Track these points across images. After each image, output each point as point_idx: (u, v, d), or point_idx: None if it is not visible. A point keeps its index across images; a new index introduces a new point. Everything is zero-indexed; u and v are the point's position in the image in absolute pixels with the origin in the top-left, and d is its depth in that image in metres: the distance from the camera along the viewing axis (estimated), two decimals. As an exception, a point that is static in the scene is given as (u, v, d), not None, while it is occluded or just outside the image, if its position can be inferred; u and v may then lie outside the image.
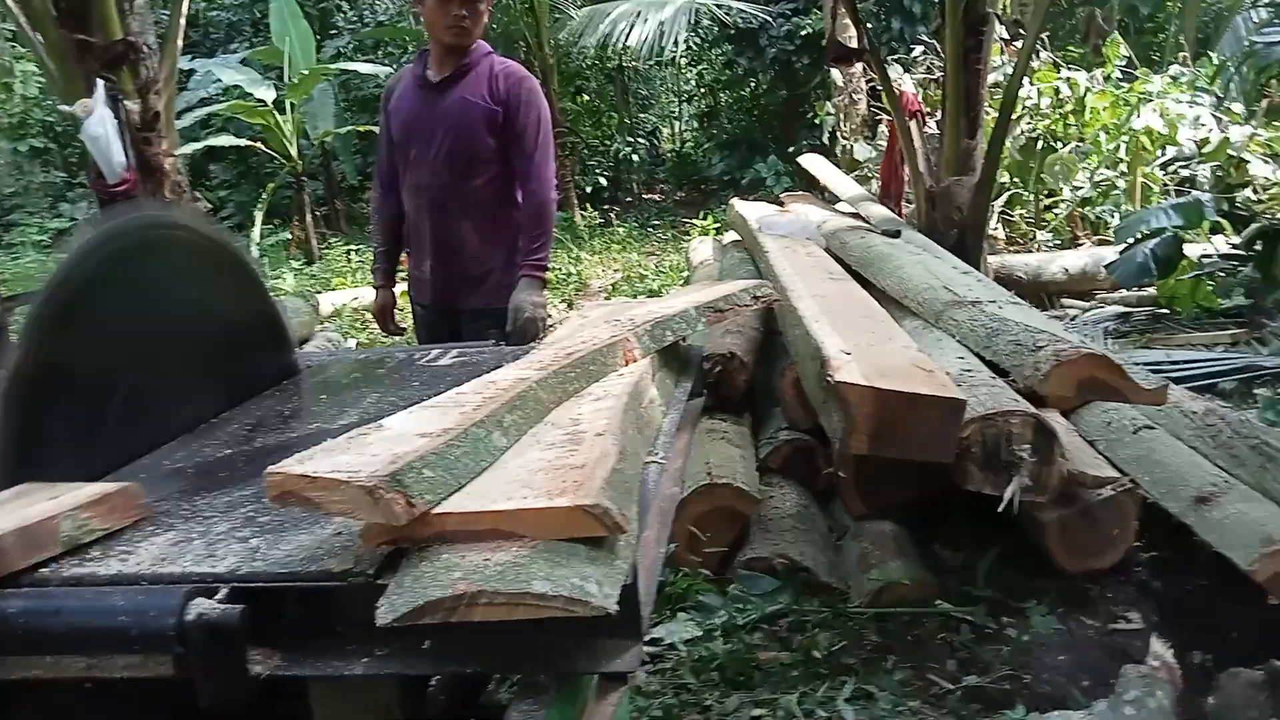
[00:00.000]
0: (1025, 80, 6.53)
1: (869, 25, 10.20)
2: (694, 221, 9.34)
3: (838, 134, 9.06)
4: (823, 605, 2.45)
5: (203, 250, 1.60)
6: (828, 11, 8.68)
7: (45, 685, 0.99)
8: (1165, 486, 2.47)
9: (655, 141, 14.57)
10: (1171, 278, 5.08)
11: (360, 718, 1.06)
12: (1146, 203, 6.70)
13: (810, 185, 7.19)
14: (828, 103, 9.44)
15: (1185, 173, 7.05)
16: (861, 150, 8.34)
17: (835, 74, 9.04)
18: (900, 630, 2.36)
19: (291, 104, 9.31)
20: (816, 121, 10.14)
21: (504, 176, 2.75)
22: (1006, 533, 2.56)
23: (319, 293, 7.34)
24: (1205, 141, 6.86)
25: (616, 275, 8.11)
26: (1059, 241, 7.00)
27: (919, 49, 8.83)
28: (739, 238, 5.32)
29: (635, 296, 6.95)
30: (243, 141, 9.46)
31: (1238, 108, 6.98)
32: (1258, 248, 4.98)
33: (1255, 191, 6.58)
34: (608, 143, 12.73)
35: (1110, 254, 5.55)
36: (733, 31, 11.13)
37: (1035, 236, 7.11)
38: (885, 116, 7.54)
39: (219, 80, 9.36)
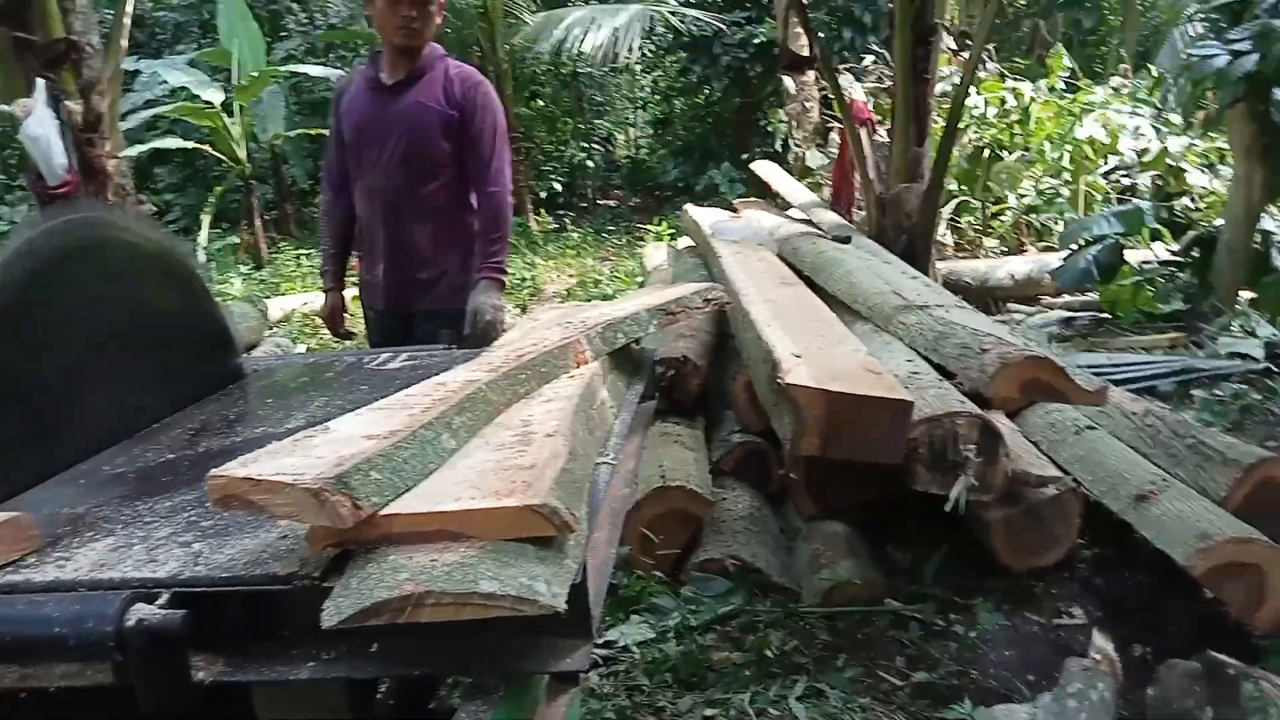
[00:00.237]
0: (972, 90, 6.67)
1: (820, 34, 10.34)
2: (649, 227, 9.37)
3: (790, 141, 9.17)
4: (775, 605, 2.46)
5: (144, 253, 1.57)
6: (780, 20, 8.77)
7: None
8: (1106, 485, 2.53)
9: (610, 147, 14.60)
10: (1113, 283, 5.22)
11: (307, 723, 1.04)
12: (1089, 210, 6.87)
13: (763, 192, 7.26)
14: (780, 110, 9.55)
15: (1126, 181, 7.25)
16: (814, 157, 8.44)
17: (788, 82, 9.14)
18: (851, 629, 2.38)
19: (240, 106, 9.17)
20: (769, 129, 10.25)
21: (459, 180, 2.74)
22: (954, 532, 2.60)
23: (268, 298, 7.23)
24: (1145, 151, 7.06)
25: (571, 280, 8.10)
26: (1005, 248, 7.15)
27: (870, 58, 8.97)
28: (693, 243, 5.35)
29: (590, 301, 6.95)
30: (190, 144, 9.29)
31: (1176, 119, 7.19)
32: (1195, 254, 5.14)
33: (1193, 200, 6.78)
34: (562, 148, 12.72)
35: (1055, 260, 5.69)
36: (687, 39, 11.21)
37: (982, 243, 7.26)
38: (837, 124, 7.63)
39: (165, 82, 9.18)
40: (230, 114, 9.08)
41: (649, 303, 1.80)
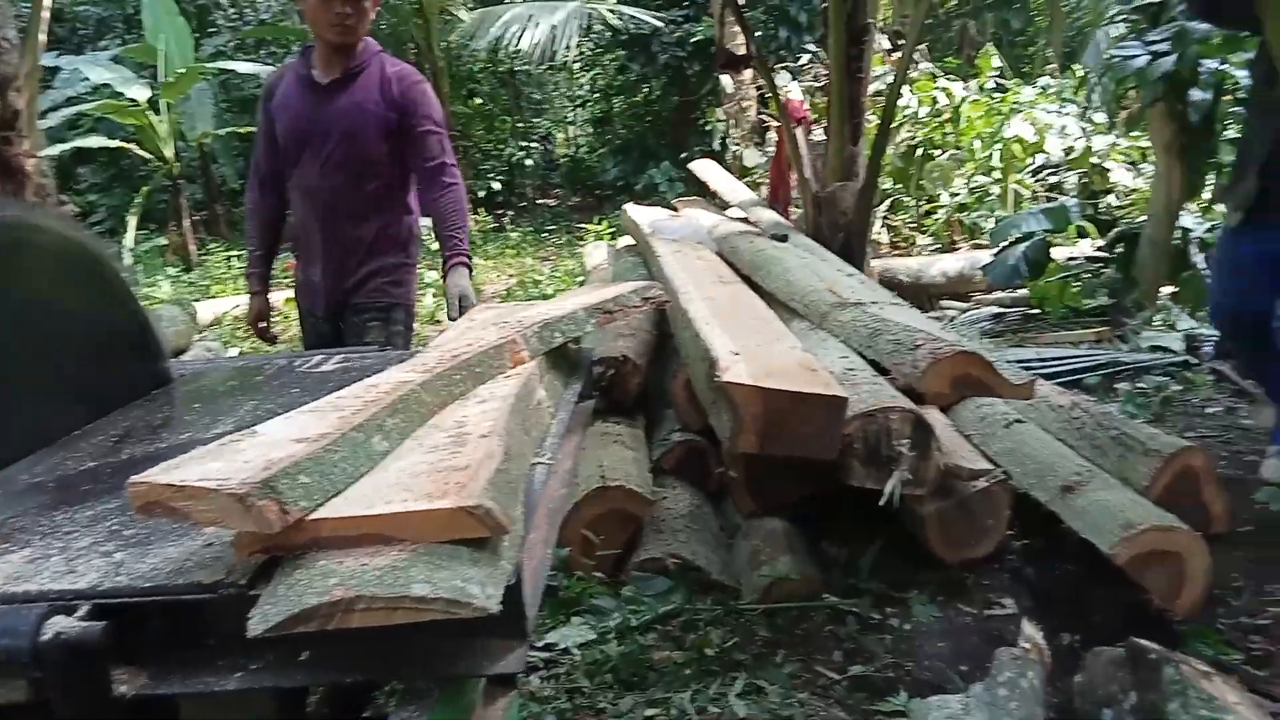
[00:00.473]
0: (905, 89, 6.79)
1: (757, 33, 10.43)
2: (589, 226, 9.36)
3: (728, 140, 9.24)
4: (715, 603, 2.48)
5: (62, 253, 1.52)
6: (717, 19, 8.83)
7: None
8: (1035, 477, 2.60)
9: (549, 146, 14.54)
10: (1041, 279, 5.36)
11: (236, 734, 1.02)
12: (1018, 208, 7.05)
13: (702, 190, 7.30)
14: (718, 109, 9.61)
15: (1054, 179, 7.45)
16: (751, 156, 8.53)
17: (725, 81, 9.21)
18: (789, 625, 2.41)
19: (167, 104, 8.93)
20: (708, 128, 10.31)
21: (397, 180, 2.72)
22: (889, 526, 2.65)
23: (198, 300, 7.06)
24: (1071, 150, 7.26)
25: (511, 281, 8.05)
26: (938, 245, 7.29)
27: (806, 57, 9.08)
28: (633, 242, 5.36)
29: (529, 301, 6.92)
30: (114, 143, 9.03)
31: (1100, 118, 7.41)
32: (1119, 250, 5.30)
33: (1117, 197, 7.00)
34: (501, 147, 12.65)
35: (985, 257, 5.82)
36: (625, 37, 11.21)
37: (916, 240, 7.39)
38: (774, 123, 7.72)
39: (87, 78, 8.90)
40: (156, 112, 8.85)
41: (587, 302, 1.80)
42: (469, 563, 0.91)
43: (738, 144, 8.98)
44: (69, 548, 1.08)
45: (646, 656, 2.29)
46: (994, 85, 8.09)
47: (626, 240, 5.78)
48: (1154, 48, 4.32)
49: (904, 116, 7.26)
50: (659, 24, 10.51)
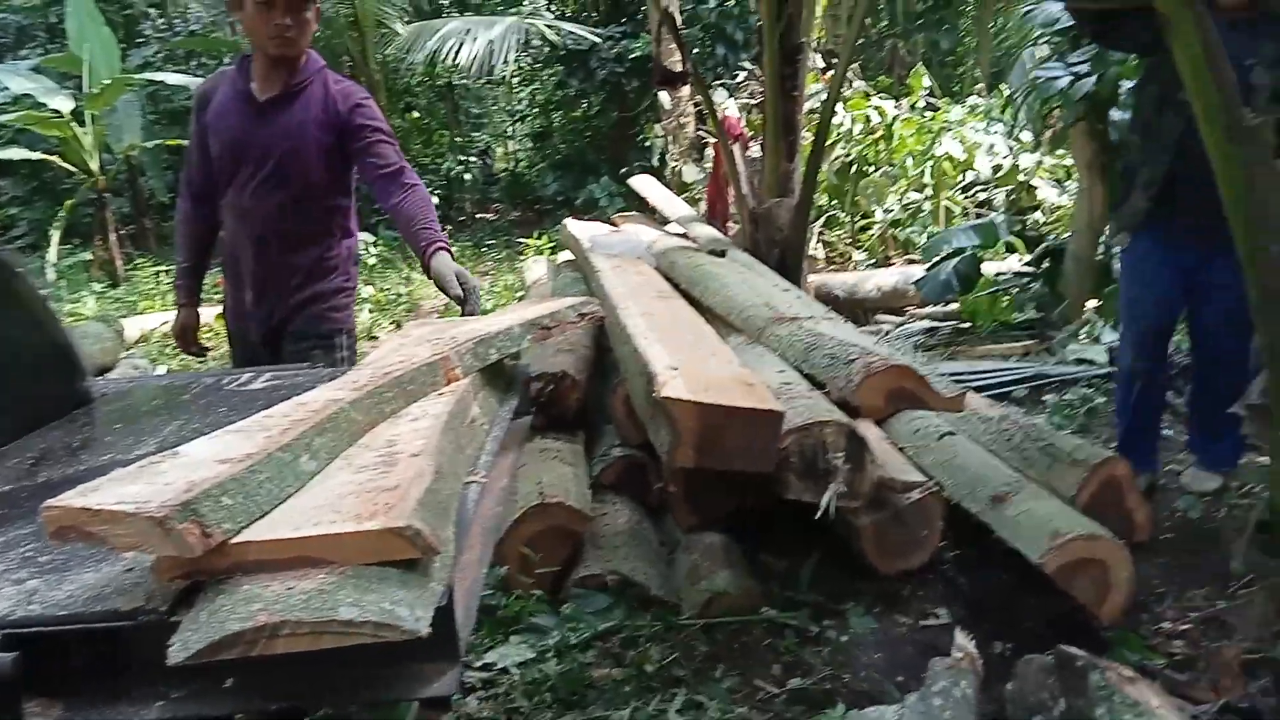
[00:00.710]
0: (839, 107, 6.91)
1: (694, 51, 10.54)
2: (528, 241, 9.32)
3: (667, 156, 9.29)
4: (654, 619, 2.47)
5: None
6: (654, 36, 8.89)
7: None
8: (966, 488, 2.66)
9: (488, 160, 14.47)
10: (972, 294, 5.49)
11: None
12: (949, 224, 7.21)
13: (642, 206, 7.33)
14: (657, 125, 9.66)
15: (983, 196, 7.64)
16: (690, 172, 8.58)
17: (663, 97, 9.27)
18: (728, 639, 2.42)
19: (92, 115, 8.68)
20: (647, 143, 10.36)
21: (337, 204, 2.62)
22: (826, 537, 2.68)
23: (124, 317, 6.86)
24: (999, 167, 7.46)
25: (449, 295, 7.97)
26: (873, 260, 7.42)
27: (743, 74, 9.19)
28: (572, 257, 5.35)
29: (465, 317, 6.86)
30: (36, 155, 8.74)
31: (1026, 136, 7.63)
32: (1045, 266, 5.45)
33: (1043, 214, 7.20)
34: (439, 161, 12.54)
35: (918, 272, 5.93)
36: (563, 52, 11.23)
37: (851, 256, 7.51)
38: (712, 139, 7.79)
39: (7, 89, 8.60)
40: (81, 123, 8.59)
41: (523, 317, 1.79)
42: (398, 585, 0.90)
43: (676, 160, 9.04)
44: (-21, 576, 1.04)
45: (586, 675, 2.27)
46: (925, 104, 8.29)
47: (566, 255, 5.77)
48: (1075, 69, 4.46)
49: (838, 134, 7.39)
50: (597, 40, 10.55)
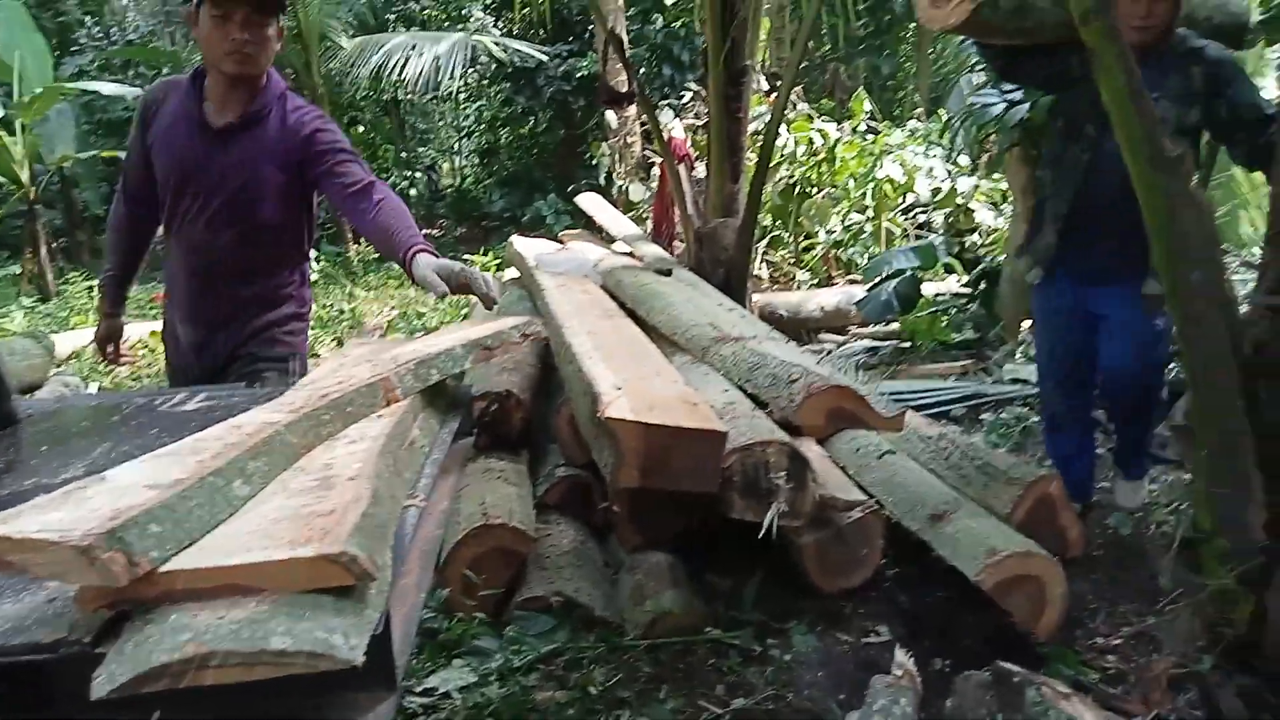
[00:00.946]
0: (783, 130, 7.01)
1: (640, 71, 10.62)
2: (475, 258, 9.27)
3: (614, 174, 9.32)
4: (599, 640, 2.46)
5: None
6: (601, 56, 8.94)
7: None
8: (906, 506, 2.70)
9: (435, 176, 14.40)
10: (912, 314, 5.59)
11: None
12: (890, 245, 7.34)
13: (589, 224, 7.35)
14: (603, 144, 9.70)
15: (923, 218, 7.80)
16: (636, 190, 8.62)
17: (610, 116, 9.31)
18: (673, 659, 2.41)
19: (23, 125, 8.44)
20: (594, 162, 10.39)
21: (292, 237, 2.49)
22: (771, 555, 2.69)
23: (55, 332, 6.66)
24: (938, 190, 7.62)
25: (393, 313, 7.88)
26: (816, 280, 7.52)
27: (688, 95, 9.28)
28: (519, 274, 5.34)
29: (412, 334, 6.80)
30: (-39, 165, 8.48)
31: (964, 160, 7.81)
32: (982, 287, 5.58)
33: (980, 236, 7.37)
34: (384, 176, 12.42)
35: (860, 292, 6.03)
36: (510, 70, 11.23)
37: (795, 276, 7.60)
38: (658, 159, 7.84)
39: (-68, 96, 8.36)
40: (11, 133, 8.35)
41: (465, 338, 1.78)
42: (333, 612, 0.88)
43: (623, 178, 9.08)
44: (-110, 607, 0.99)
45: (529, 698, 2.25)
46: (866, 127, 8.45)
47: (512, 273, 5.75)
48: (1010, 96, 4.59)
49: (782, 156, 7.49)
50: (544, 58, 10.58)
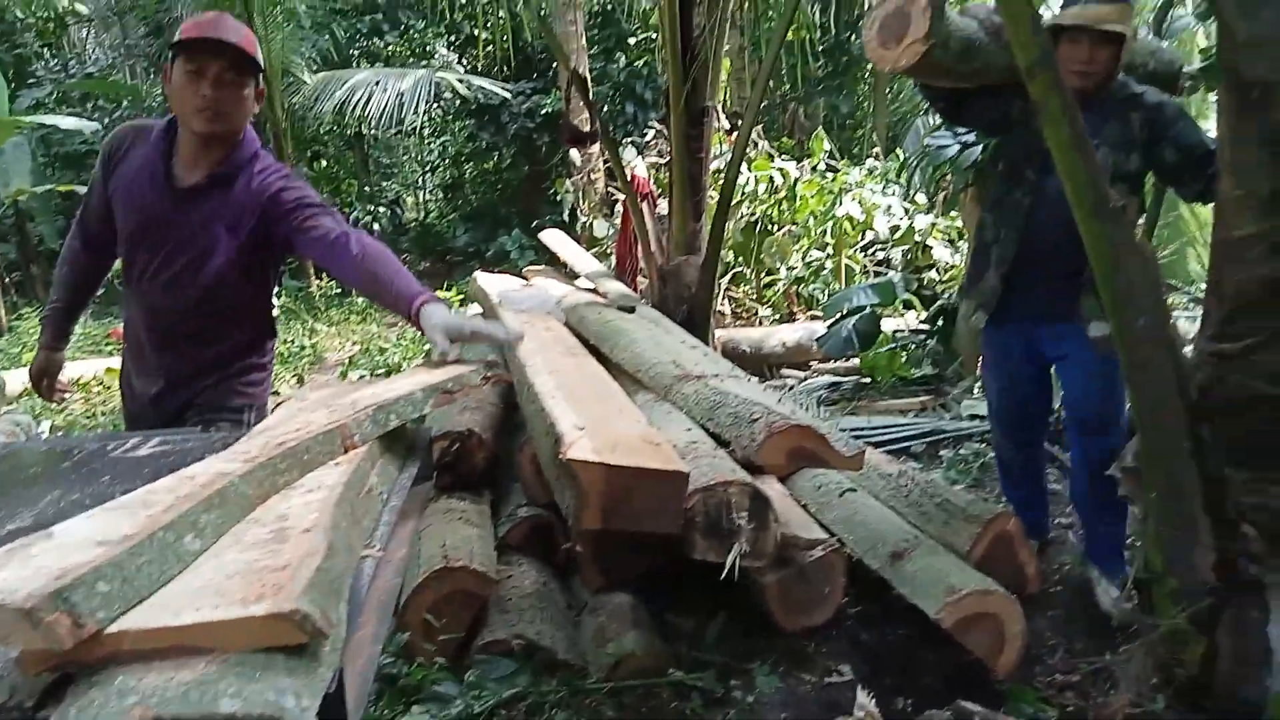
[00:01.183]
0: (744, 168, 7.10)
1: (603, 108, 10.72)
2: (438, 293, 9.25)
3: (578, 211, 9.37)
4: (561, 684, 2.43)
5: None
6: (564, 95, 9.02)
7: None
8: (867, 544, 2.71)
9: (398, 210, 14.37)
10: (872, 350, 5.65)
11: None
12: (850, 281, 7.44)
13: (553, 259, 7.37)
14: (567, 181, 9.76)
15: (882, 255, 7.92)
16: (600, 227, 8.67)
17: (573, 153, 9.38)
18: (636, 702, 2.39)
19: (-24, 158, 8.33)
20: (558, 198, 10.44)
21: (254, 297, 2.43)
22: (733, 594, 2.69)
23: (6, 369, 6.52)
24: (897, 228, 7.75)
25: (355, 348, 7.83)
26: (778, 316, 7.60)
27: (651, 132, 9.37)
28: (482, 310, 5.32)
29: (374, 371, 6.75)
30: (-87, 197, 8.33)
31: (921, 199, 7.96)
32: (940, 324, 5.66)
33: (938, 272, 7.50)
34: (347, 210, 12.39)
35: (821, 328, 6.09)
36: (474, 106, 11.28)
37: (757, 312, 7.67)
38: (622, 195, 7.90)
39: (-118, 128, 8.19)
40: (-36, 166, 8.23)
41: (425, 381, 1.77)
42: (284, 672, 0.87)
43: (587, 214, 9.13)
44: None
45: (489, 744, 2.22)
46: (825, 166, 8.59)
47: (475, 308, 5.74)
48: (963, 139, 4.69)
49: (743, 194, 7.59)
50: (507, 95, 10.65)
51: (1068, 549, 3.24)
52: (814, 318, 7.19)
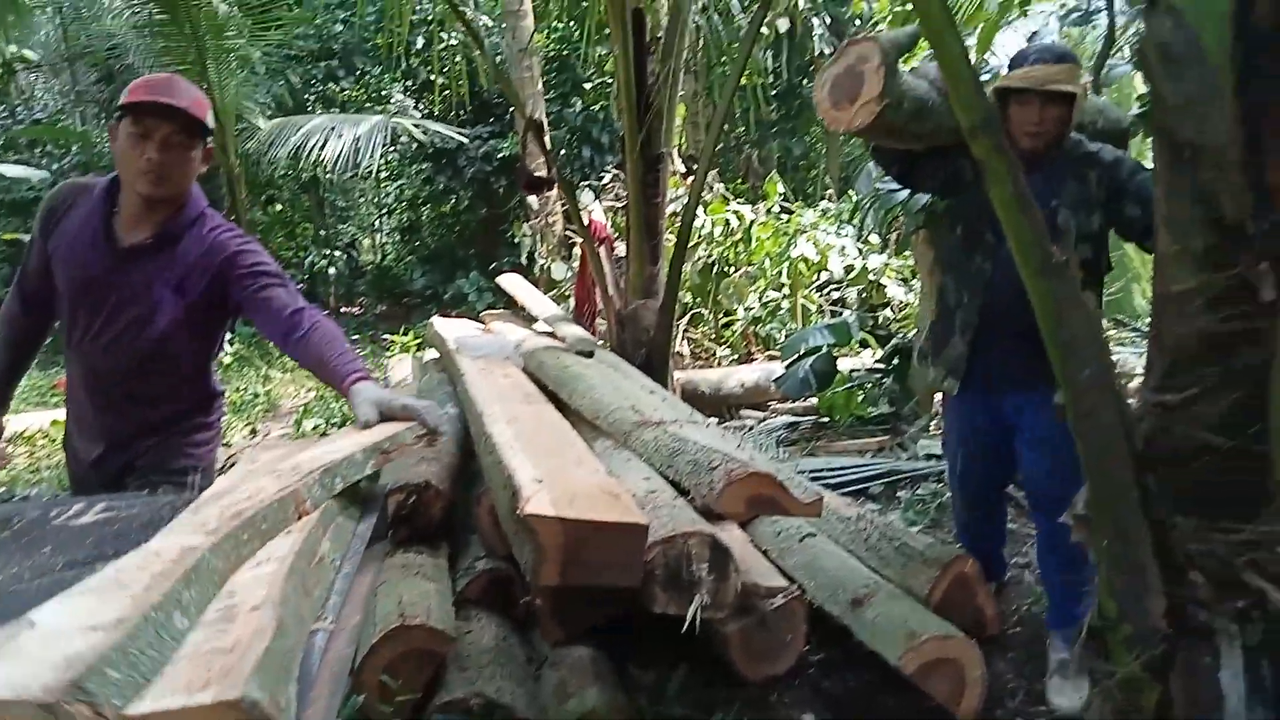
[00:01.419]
0: (700, 211, 7.18)
1: (560, 152, 10.80)
2: (394, 338, 9.19)
3: (535, 254, 9.40)
4: (521, 742, 2.40)
5: None
6: (521, 141, 9.08)
7: None
8: (827, 590, 2.71)
9: (354, 253, 14.30)
10: (829, 390, 5.70)
11: None
12: (806, 321, 7.53)
13: (511, 303, 7.37)
14: (525, 224, 9.79)
15: (837, 294, 8.03)
16: (559, 270, 8.70)
17: (531, 197, 9.42)
18: (598, 758, 2.36)
19: (-82, 206, 8.15)
20: (516, 240, 10.47)
21: (199, 361, 2.38)
22: (695, 644, 2.67)
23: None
24: (851, 268, 7.87)
25: (309, 395, 7.73)
26: (736, 356, 7.65)
27: (608, 175, 9.46)
28: (439, 356, 5.29)
29: (329, 420, 6.66)
30: None
31: (875, 239, 8.10)
32: (895, 362, 5.73)
33: (892, 311, 7.61)
34: (302, 254, 12.31)
35: (779, 368, 6.14)
36: (431, 150, 11.31)
37: (715, 352, 7.72)
38: (579, 238, 7.95)
39: None
40: (-95, 213, 8.05)
41: (364, 442, 1.77)
42: (231, 761, 0.85)
43: (545, 257, 9.16)
44: None
45: (448, 808, 2.17)
46: (780, 208, 8.72)
47: (432, 354, 5.71)
48: (914, 183, 4.79)
49: (700, 236, 7.67)
50: (464, 140, 10.69)
51: (1025, 590, 3.27)
52: (772, 357, 7.25)
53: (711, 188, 8.17)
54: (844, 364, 6.15)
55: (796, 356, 5.65)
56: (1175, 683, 1.49)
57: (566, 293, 8.07)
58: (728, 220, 7.86)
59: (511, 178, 11.04)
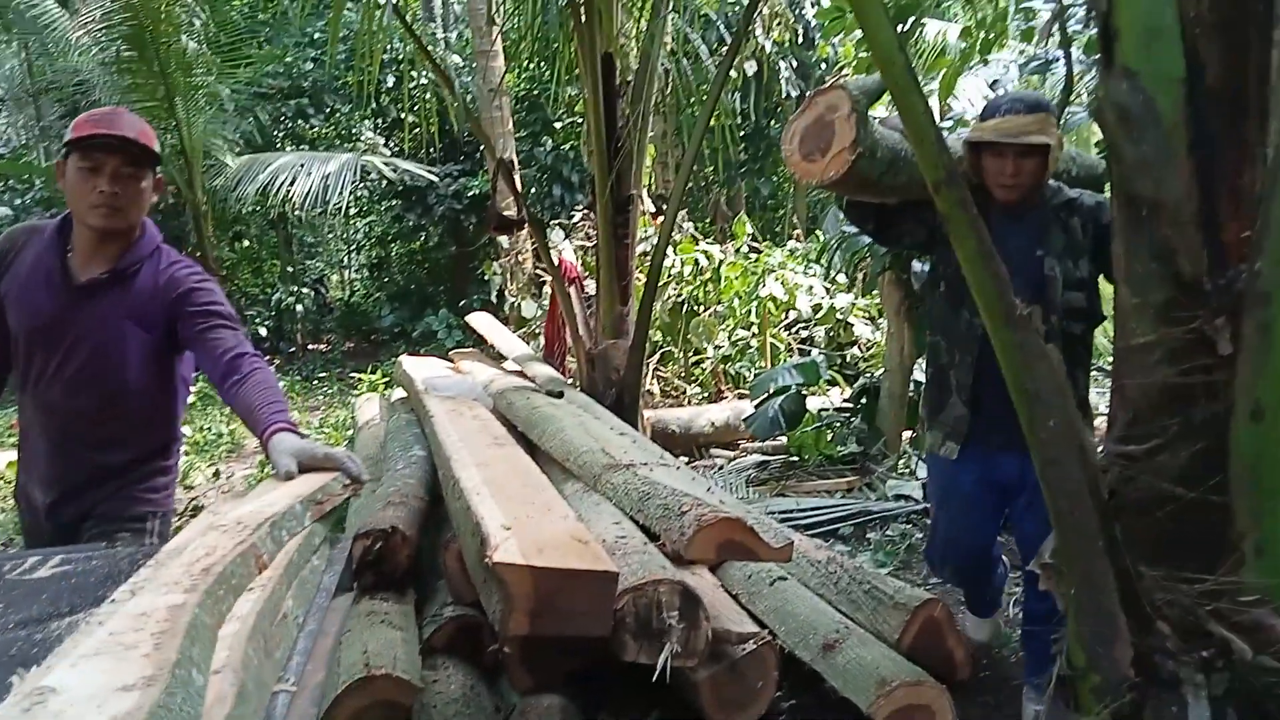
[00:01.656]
0: (670, 251, 7.23)
1: (531, 190, 10.85)
2: (362, 376, 9.11)
3: (505, 292, 9.39)
4: (489, 795, 2.35)
5: None
6: (491, 182, 9.11)
7: None
8: (798, 636, 2.70)
9: (322, 290, 14.22)
10: (798, 430, 5.73)
11: None
12: (775, 359, 7.57)
13: (481, 340, 7.34)
14: (495, 263, 9.80)
15: (805, 333, 8.09)
16: (528, 308, 8.70)
17: (501, 236, 9.43)
18: (566, 812, 2.32)
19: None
20: (485, 278, 10.47)
21: (159, 400, 2.35)
22: (665, 691, 2.64)
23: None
24: (819, 307, 7.94)
25: (275, 434, 7.62)
26: (706, 394, 7.67)
27: (579, 214, 9.50)
28: (407, 395, 5.25)
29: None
30: None
31: (842, 279, 8.19)
32: (863, 401, 5.78)
33: (860, 349, 7.68)
34: (269, 291, 12.22)
35: (749, 407, 6.16)
36: (401, 188, 11.31)
37: (685, 391, 7.74)
38: (550, 277, 7.96)
39: None
40: None
41: (298, 493, 1.76)
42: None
43: (515, 295, 9.15)
44: None
45: None
46: (749, 248, 8.80)
47: (400, 393, 5.66)
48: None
49: (670, 275, 7.71)
50: (434, 178, 10.70)
51: (997, 631, 3.27)
52: (741, 395, 7.28)
53: (681, 227, 8.23)
54: (812, 403, 6.18)
55: (766, 396, 5.67)
56: (1144, 733, 1.49)
57: (536, 331, 8.06)
58: (697, 260, 7.92)
59: (481, 215, 11.06)
